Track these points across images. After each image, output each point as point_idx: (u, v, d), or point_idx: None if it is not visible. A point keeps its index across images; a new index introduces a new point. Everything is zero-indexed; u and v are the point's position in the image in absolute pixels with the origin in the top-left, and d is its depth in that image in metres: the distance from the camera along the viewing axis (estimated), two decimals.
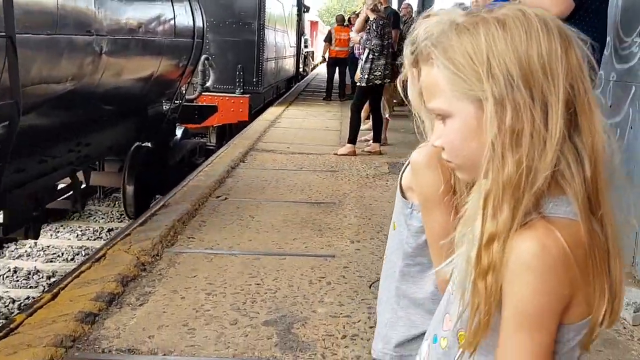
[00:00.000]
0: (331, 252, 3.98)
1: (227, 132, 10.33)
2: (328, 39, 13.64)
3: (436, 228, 1.15)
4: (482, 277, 0.82)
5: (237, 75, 10.41)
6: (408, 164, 1.29)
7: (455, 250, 0.93)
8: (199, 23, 6.90)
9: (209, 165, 6.61)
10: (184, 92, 7.23)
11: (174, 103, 6.79)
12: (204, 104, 8.43)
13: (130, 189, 5.76)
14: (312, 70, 27.03)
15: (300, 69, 20.22)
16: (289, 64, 16.09)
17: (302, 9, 19.05)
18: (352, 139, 7.30)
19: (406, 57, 1.29)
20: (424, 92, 0.93)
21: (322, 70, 25.78)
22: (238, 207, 5.01)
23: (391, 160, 7.05)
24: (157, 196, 6.11)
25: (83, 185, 5.53)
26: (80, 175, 5.26)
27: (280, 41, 13.27)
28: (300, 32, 18.81)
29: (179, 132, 7.25)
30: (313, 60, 28.87)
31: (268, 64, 11.53)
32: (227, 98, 10.06)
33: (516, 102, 0.80)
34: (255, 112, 10.96)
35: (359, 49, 8.77)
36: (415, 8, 12.11)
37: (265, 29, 10.92)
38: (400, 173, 1.33)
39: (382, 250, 4.20)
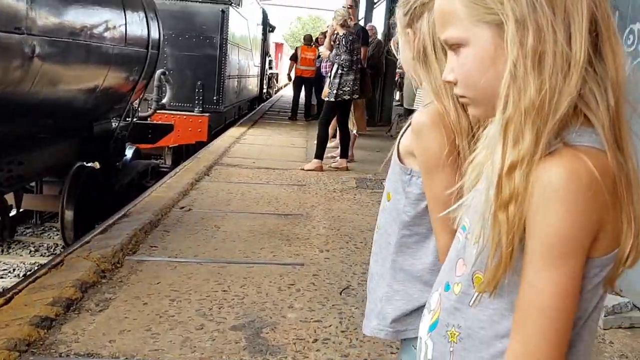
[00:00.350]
0: (300, 261, 3.88)
1: (184, 154, 9.65)
2: (294, 58, 13.57)
3: (440, 191, 1.09)
4: (504, 208, 0.77)
5: (196, 93, 9.81)
6: (407, 128, 1.23)
7: (473, 182, 0.87)
8: (155, 34, 6.29)
9: (172, 178, 6.44)
10: (136, 108, 6.64)
11: (125, 120, 6.18)
12: (159, 122, 7.87)
13: (69, 214, 5.13)
14: (276, 93, 26.38)
15: (264, 90, 19.47)
16: (253, 84, 15.31)
17: (267, 28, 18.35)
18: (319, 155, 7.23)
19: (399, 19, 1.24)
20: (437, 24, 0.88)
21: (286, 92, 25.70)
22: (203, 217, 4.87)
23: (358, 176, 7.01)
24: (99, 222, 5.30)
25: (14, 211, 5.02)
26: (11, 197, 4.70)
27: (243, 59, 12.69)
28: (264, 52, 18.08)
29: (129, 153, 6.67)
30: (277, 82, 28.21)
31: (230, 82, 10.93)
32: (184, 117, 9.46)
33: (538, 22, 0.76)
34: (215, 133, 10.35)
35: (326, 68, 8.79)
36: (380, 30, 12.24)
37: (228, 45, 10.30)
38: (398, 139, 1.26)
39: (353, 259, 4.15)
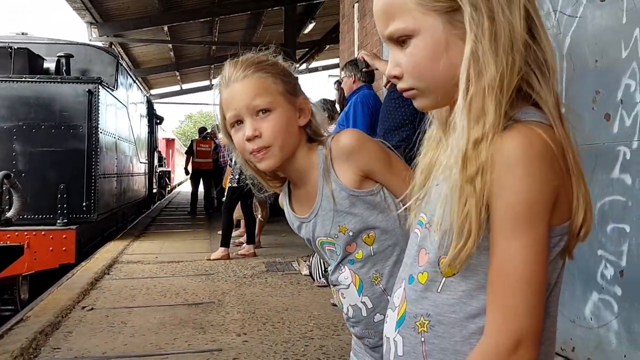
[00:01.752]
0: (217, 346, 3.72)
1: (49, 281, 6.61)
2: (190, 151, 13.53)
3: None
4: (471, 181, 0.80)
5: (58, 199, 7.51)
6: (328, 169, 1.35)
7: (422, 183, 0.91)
8: None
9: (69, 279, 6.06)
10: None
11: None
12: (3, 244, 6.29)
13: None
14: (169, 193, 24.27)
15: (155, 190, 16.77)
16: (139, 184, 12.61)
17: (154, 119, 15.79)
18: (225, 242, 7.10)
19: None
20: (380, 20, 0.89)
21: (182, 188, 24.99)
22: (107, 315, 4.59)
23: (267, 260, 6.93)
24: None
25: None
26: None
27: (124, 154, 10.28)
28: (152, 147, 15.47)
29: None
30: (170, 182, 26.32)
31: (106, 183, 8.55)
32: (42, 233, 7.19)
33: (490, 6, 0.81)
34: (87, 250, 7.99)
35: (224, 157, 8.82)
36: None
37: (101, 135, 8.00)
38: (331, 187, 1.35)
39: (272, 339, 4.05)
